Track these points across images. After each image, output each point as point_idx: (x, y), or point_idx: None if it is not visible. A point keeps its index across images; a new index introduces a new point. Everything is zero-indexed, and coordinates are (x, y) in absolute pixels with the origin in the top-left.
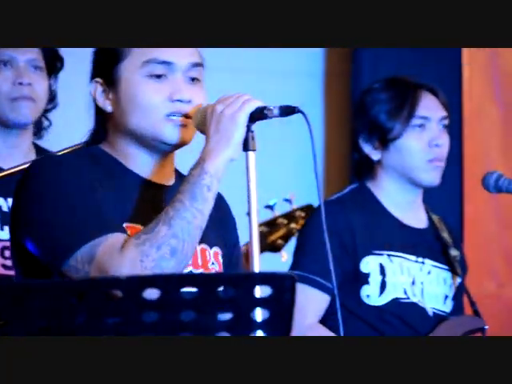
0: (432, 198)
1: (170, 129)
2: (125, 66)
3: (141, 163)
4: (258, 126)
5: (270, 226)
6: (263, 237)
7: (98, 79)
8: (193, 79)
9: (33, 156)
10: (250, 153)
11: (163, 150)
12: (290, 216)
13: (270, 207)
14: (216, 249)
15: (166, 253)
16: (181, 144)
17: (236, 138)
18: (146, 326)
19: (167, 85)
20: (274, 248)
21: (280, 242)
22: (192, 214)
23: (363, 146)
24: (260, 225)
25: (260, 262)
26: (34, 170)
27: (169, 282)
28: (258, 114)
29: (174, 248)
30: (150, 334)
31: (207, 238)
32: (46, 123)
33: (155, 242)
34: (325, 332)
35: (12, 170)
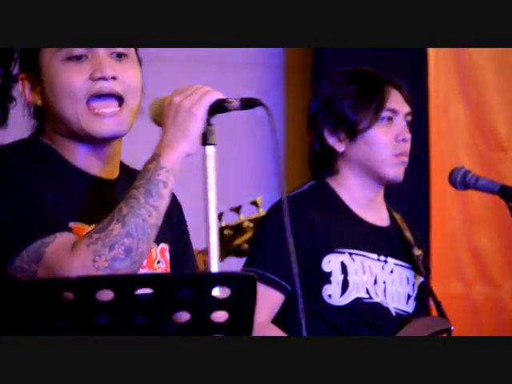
0: (398, 195)
1: (96, 122)
2: (45, 54)
3: (82, 157)
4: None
5: (236, 229)
6: (228, 240)
7: (24, 75)
8: (119, 55)
9: None
10: (209, 147)
11: (102, 143)
12: (256, 220)
13: (236, 210)
14: (163, 245)
15: (120, 252)
16: (111, 137)
17: (193, 131)
18: (100, 328)
19: (89, 65)
20: (239, 252)
21: (246, 246)
22: (147, 211)
23: (327, 138)
24: (225, 228)
25: (222, 266)
26: None
27: (124, 283)
28: (218, 107)
29: (128, 247)
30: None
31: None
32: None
33: (108, 241)
34: (276, 331)
35: None
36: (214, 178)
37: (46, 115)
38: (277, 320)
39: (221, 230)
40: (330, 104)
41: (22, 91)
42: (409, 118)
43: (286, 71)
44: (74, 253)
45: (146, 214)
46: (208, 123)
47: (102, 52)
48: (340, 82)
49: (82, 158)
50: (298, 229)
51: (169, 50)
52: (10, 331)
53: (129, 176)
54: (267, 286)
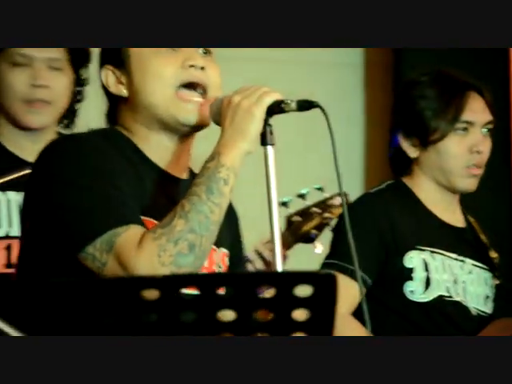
0: (480, 199)
1: (184, 109)
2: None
3: (158, 150)
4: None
5: (303, 215)
6: (296, 227)
7: (108, 66)
8: (205, 51)
9: None
10: (268, 147)
11: (181, 134)
12: (323, 205)
13: (302, 196)
14: (223, 250)
15: (184, 248)
16: (197, 125)
17: (252, 130)
18: (184, 325)
19: (179, 54)
20: (308, 239)
21: (314, 231)
22: (209, 207)
23: (402, 141)
24: (292, 215)
25: (291, 254)
26: (52, 149)
27: (205, 281)
28: (276, 108)
29: (191, 243)
30: (187, 334)
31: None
32: (71, 118)
33: (172, 237)
34: (355, 324)
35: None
36: (275, 178)
37: (129, 105)
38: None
39: (289, 216)
40: (407, 106)
41: (104, 82)
42: (490, 126)
43: (366, 70)
44: (141, 247)
45: (208, 210)
46: (266, 123)
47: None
48: (421, 83)
49: (157, 152)
50: (380, 224)
51: (248, 49)
52: (87, 329)
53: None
54: (350, 278)
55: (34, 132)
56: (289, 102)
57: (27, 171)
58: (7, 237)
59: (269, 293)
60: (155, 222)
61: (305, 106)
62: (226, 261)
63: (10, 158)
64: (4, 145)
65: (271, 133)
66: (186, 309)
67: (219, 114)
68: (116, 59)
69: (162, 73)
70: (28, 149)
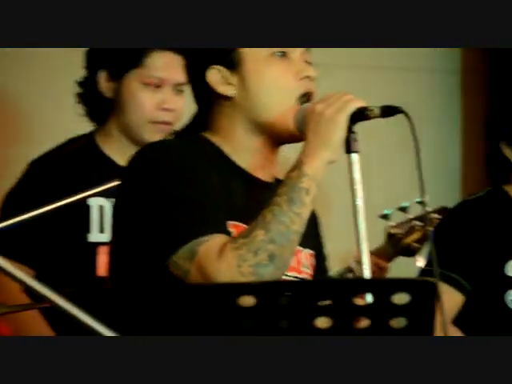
0: None
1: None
2: (247, 50)
3: (248, 156)
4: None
5: (405, 228)
6: (397, 240)
7: (216, 66)
8: (308, 63)
9: None
10: (353, 155)
11: (277, 142)
12: (425, 218)
13: (403, 209)
14: (310, 250)
15: (264, 258)
16: (292, 139)
17: (335, 139)
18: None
19: (291, 63)
20: (409, 252)
21: (415, 245)
22: (290, 218)
23: (504, 149)
24: (393, 227)
25: (389, 267)
26: (142, 156)
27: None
28: (359, 115)
29: (272, 254)
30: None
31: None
32: None
33: (252, 247)
34: (455, 332)
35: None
36: (361, 185)
37: (231, 107)
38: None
39: (389, 229)
40: (508, 112)
41: (211, 81)
42: None
43: (462, 76)
44: (221, 257)
45: (289, 221)
46: (350, 131)
47: (299, 53)
48: None
49: (246, 157)
50: (479, 232)
51: (336, 56)
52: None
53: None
54: (449, 286)
55: None
56: (372, 108)
57: None
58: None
59: (363, 300)
60: (244, 225)
61: (388, 111)
62: (313, 261)
63: (115, 168)
64: (113, 159)
65: (355, 140)
66: (282, 315)
67: (303, 123)
68: (226, 60)
69: (282, 83)
70: None
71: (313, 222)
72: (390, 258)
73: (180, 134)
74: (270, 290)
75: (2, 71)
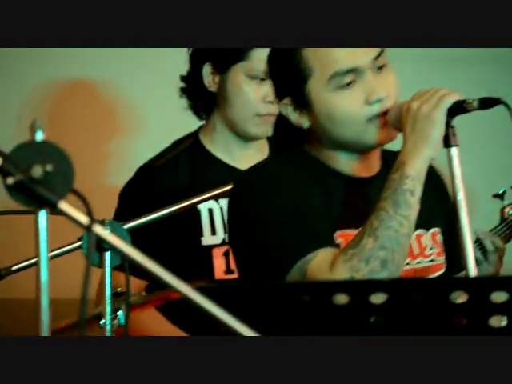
0: None
1: (372, 132)
2: (312, 86)
3: (346, 162)
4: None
5: None
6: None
7: (287, 100)
8: (379, 68)
9: (266, 151)
10: (453, 149)
11: (371, 150)
12: None
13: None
14: (434, 229)
15: (377, 265)
16: (384, 143)
17: (434, 136)
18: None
19: (360, 89)
20: None
21: None
22: (398, 222)
23: None
24: (508, 206)
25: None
26: (242, 184)
27: (397, 287)
28: (457, 109)
29: (383, 260)
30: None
31: (422, 222)
32: None
33: (363, 256)
34: None
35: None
36: (461, 179)
37: (312, 134)
38: None
39: (504, 208)
40: None
41: (285, 114)
42: None
43: None
44: (332, 271)
45: (397, 225)
46: (449, 125)
47: (369, 72)
48: None
49: (346, 165)
50: None
51: (411, 50)
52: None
53: (387, 164)
54: None
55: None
56: (471, 101)
57: None
58: (224, 243)
59: (461, 298)
60: (352, 231)
61: (487, 103)
62: (439, 239)
63: (223, 166)
64: (212, 152)
65: (454, 134)
66: (375, 314)
67: (398, 121)
68: (296, 95)
69: (349, 115)
70: (238, 156)
71: (443, 198)
72: (507, 239)
73: (279, 145)
74: (363, 288)
75: (105, 66)
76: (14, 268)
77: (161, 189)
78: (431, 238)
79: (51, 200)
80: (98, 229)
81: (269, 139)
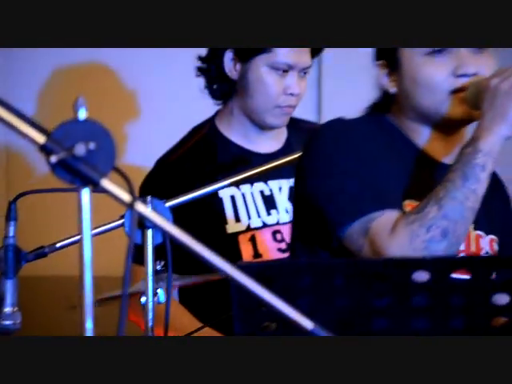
0: None
1: (451, 105)
2: (406, 49)
3: (425, 139)
4: None
5: None
6: None
7: (381, 61)
8: (481, 49)
9: (284, 136)
10: None
11: (451, 126)
12: None
13: None
14: (492, 236)
15: (437, 234)
16: (463, 119)
17: None
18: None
19: (450, 59)
20: None
21: None
22: (464, 194)
23: None
24: None
25: None
26: (324, 132)
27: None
28: None
29: (444, 229)
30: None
31: (484, 225)
32: None
33: (425, 223)
34: None
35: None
36: None
37: (397, 101)
38: None
39: None
40: None
41: (378, 77)
42: None
43: None
44: (393, 233)
45: (462, 197)
46: None
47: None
48: None
49: (425, 141)
50: None
51: None
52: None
53: None
54: None
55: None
56: None
57: (268, 166)
58: (249, 229)
59: None
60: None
61: None
62: (495, 247)
63: (241, 151)
64: (229, 138)
65: None
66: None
67: (477, 98)
68: (390, 58)
69: (432, 82)
70: (255, 140)
71: (504, 213)
72: None
73: (367, 115)
74: (443, 266)
75: (124, 49)
76: (58, 245)
77: (182, 181)
78: (489, 243)
79: (94, 178)
80: (140, 206)
81: (287, 125)
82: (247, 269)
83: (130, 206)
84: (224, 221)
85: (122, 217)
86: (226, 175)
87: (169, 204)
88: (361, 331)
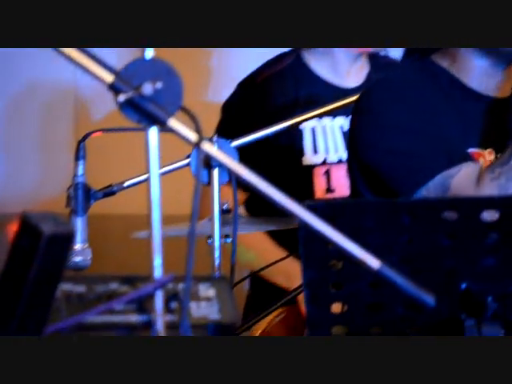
0: None
1: None
2: None
3: (478, 78)
4: None
5: None
6: None
7: None
8: None
9: (366, 70)
10: None
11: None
12: None
13: None
14: None
15: None
16: None
17: None
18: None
19: None
20: None
21: None
22: None
23: None
24: None
25: None
26: (374, 93)
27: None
28: None
29: None
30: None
31: None
32: None
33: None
34: None
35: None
36: None
37: None
38: None
39: None
40: None
41: None
42: None
43: None
44: (479, 187)
45: None
46: None
47: None
48: None
49: (478, 80)
50: None
51: None
52: (390, 249)
53: None
54: None
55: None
56: None
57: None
58: (325, 163)
59: None
60: (483, 151)
61: None
62: None
63: (325, 84)
64: (315, 70)
65: None
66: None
67: None
68: None
69: None
70: (341, 73)
71: None
72: None
73: (409, 54)
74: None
75: None
76: (126, 184)
77: (264, 105)
78: None
79: (161, 117)
80: (207, 146)
81: (369, 56)
82: (314, 207)
83: (197, 146)
84: (301, 153)
85: (189, 156)
86: (309, 107)
87: (235, 143)
88: (428, 269)
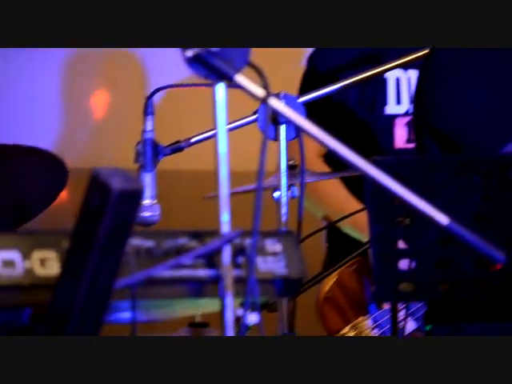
0: None
1: None
2: None
3: None
4: None
5: None
6: None
7: None
8: None
9: None
10: None
11: None
12: None
13: None
14: None
15: None
16: None
17: None
18: None
19: None
20: None
21: None
22: None
23: None
24: None
25: None
26: (432, 66)
27: None
28: None
29: None
30: None
31: None
32: None
33: None
34: None
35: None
36: None
37: None
38: None
39: None
40: None
41: None
42: None
43: None
44: None
45: None
46: None
47: None
48: None
49: None
50: None
51: None
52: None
53: None
54: None
55: None
56: None
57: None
58: (407, 114)
59: None
60: None
61: None
62: None
63: None
64: None
65: None
66: None
67: None
68: None
69: None
70: None
71: None
72: None
73: None
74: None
75: None
76: (193, 140)
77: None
78: None
79: (228, 73)
80: (274, 102)
81: None
82: (382, 163)
83: (264, 101)
84: (384, 101)
85: (256, 112)
86: (393, 58)
87: (302, 99)
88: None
